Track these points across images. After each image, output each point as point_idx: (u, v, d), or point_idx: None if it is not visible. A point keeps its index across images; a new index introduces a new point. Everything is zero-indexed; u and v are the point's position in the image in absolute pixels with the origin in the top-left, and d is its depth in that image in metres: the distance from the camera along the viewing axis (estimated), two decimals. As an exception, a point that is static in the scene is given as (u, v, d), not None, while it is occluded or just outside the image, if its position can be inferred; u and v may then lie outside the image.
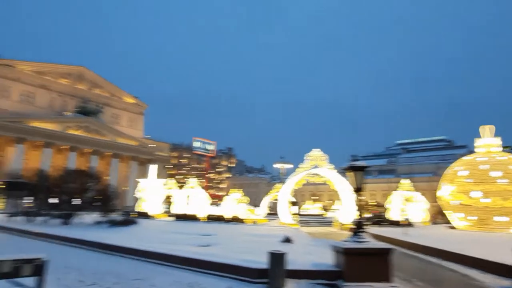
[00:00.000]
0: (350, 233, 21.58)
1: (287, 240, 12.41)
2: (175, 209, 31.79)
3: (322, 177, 26.66)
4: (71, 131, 62.54)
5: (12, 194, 25.43)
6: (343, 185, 25.85)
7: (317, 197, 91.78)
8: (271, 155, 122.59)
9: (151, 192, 33.28)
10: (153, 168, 36.41)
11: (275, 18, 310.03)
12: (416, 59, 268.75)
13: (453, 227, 26.93)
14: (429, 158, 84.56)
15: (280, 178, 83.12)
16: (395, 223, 27.87)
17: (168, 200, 36.23)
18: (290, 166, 74.46)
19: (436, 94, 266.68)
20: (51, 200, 23.41)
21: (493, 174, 23.74)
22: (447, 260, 11.11)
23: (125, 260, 10.57)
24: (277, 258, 6.86)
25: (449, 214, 27.32)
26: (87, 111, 67.29)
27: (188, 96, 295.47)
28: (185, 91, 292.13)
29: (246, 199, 31.82)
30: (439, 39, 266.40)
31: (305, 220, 30.34)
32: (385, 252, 7.11)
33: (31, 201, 25.12)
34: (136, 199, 36.35)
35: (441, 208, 37.39)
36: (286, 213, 26.52)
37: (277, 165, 76.58)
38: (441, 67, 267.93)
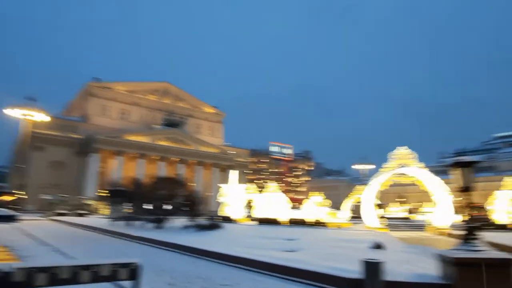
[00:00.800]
0: (450, 239, 19.31)
1: (378, 246, 11.42)
2: (257, 213, 32.10)
3: (410, 177, 24.46)
4: (160, 142, 67.85)
5: (114, 201, 28.15)
6: (435, 185, 23.41)
7: (404, 199, 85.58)
8: (350, 157, 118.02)
9: (233, 196, 34.14)
10: (233, 174, 37.41)
11: (357, 14, 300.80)
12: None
13: None
14: (534, 153, 73.40)
15: (360, 179, 79.55)
16: (502, 227, 24.30)
17: (249, 205, 36.84)
18: (372, 166, 70.82)
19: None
20: (145, 206, 25.36)
21: None
22: None
23: (212, 264, 10.74)
24: (372, 267, 6.19)
25: None
26: (172, 123, 72.52)
27: (262, 101, 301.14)
28: (258, 96, 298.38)
29: (328, 202, 30.80)
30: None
31: (393, 223, 28.16)
32: (508, 264, 5.94)
33: (130, 207, 27.54)
34: (219, 204, 37.70)
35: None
36: (372, 217, 24.91)
37: (357, 166, 73.49)
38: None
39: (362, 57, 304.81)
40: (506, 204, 28.63)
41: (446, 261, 6.49)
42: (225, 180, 64.48)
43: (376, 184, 24.87)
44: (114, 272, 5.46)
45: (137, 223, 24.56)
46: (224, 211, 34.59)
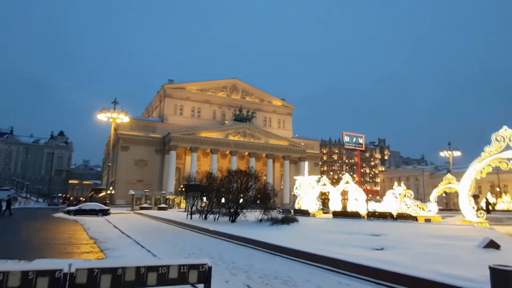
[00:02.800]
0: None
1: (493, 244, 9.35)
2: (332, 206, 30.52)
3: (516, 162, 20.71)
4: (231, 137, 69.14)
5: (190, 195, 28.86)
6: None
7: (499, 189, 75.93)
8: (431, 144, 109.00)
9: (307, 189, 32.95)
10: (305, 165, 36.16)
11: None
12: None
13: None
14: None
15: (447, 167, 72.16)
16: None
17: (323, 197, 35.32)
18: (458, 153, 63.56)
19: None
20: (219, 199, 25.47)
21: None
22: None
23: (290, 262, 9.78)
24: (507, 277, 4.62)
25: None
26: (242, 118, 73.49)
27: (331, 91, 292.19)
28: (327, 87, 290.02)
29: (410, 193, 27.94)
30: None
31: (496, 217, 24.49)
32: None
33: (205, 200, 28.00)
34: (293, 197, 36.80)
35: None
36: (469, 209, 21.80)
37: (443, 153, 66.59)
38: None
39: (437, 39, 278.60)
40: None
41: None
42: (296, 172, 63.54)
43: (474, 171, 21.62)
44: (183, 274, 4.81)
45: (211, 216, 24.74)
46: (299, 204, 33.59)
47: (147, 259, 9.50)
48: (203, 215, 25.51)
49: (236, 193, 24.10)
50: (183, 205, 46.94)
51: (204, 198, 28.11)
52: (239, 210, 23.47)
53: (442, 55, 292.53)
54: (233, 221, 22.57)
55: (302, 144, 78.76)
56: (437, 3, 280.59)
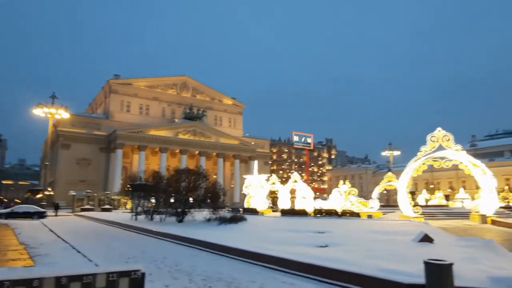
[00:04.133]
0: (498, 227, 17.37)
1: (427, 238, 9.88)
2: (280, 204, 30.92)
3: (450, 160, 22.45)
4: (181, 136, 67.48)
5: (136, 195, 27.57)
6: (479, 169, 21.40)
7: (433, 186, 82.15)
8: (374, 144, 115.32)
9: (256, 188, 33.04)
10: (255, 165, 36.29)
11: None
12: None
13: None
14: None
15: (389, 166, 76.72)
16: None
17: (271, 196, 35.70)
18: (398, 153, 67.83)
19: None
20: (167, 199, 24.60)
21: None
22: None
23: (236, 263, 9.56)
24: (440, 271, 4.77)
25: None
26: (192, 116, 72.05)
27: (280, 91, 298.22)
28: (278, 87, 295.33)
29: (355, 190, 29.17)
30: None
31: (429, 212, 26.29)
32: None
33: (151, 200, 26.90)
34: (242, 196, 36.74)
35: None
36: (407, 205, 23.16)
37: (385, 153, 70.60)
38: None
39: (386, 42, 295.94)
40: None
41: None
42: (247, 171, 63.67)
43: (411, 169, 23.03)
44: (112, 283, 4.35)
45: (158, 217, 23.83)
46: (248, 203, 33.59)
47: (82, 266, 8.75)
48: (150, 216, 24.48)
49: (184, 192, 23.43)
50: (129, 206, 44.89)
51: (152, 199, 27.04)
52: (187, 210, 22.84)
53: (391, 58, 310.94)
54: (180, 221, 21.90)
55: (253, 143, 79.14)
56: (389, 8, 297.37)
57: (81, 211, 41.40)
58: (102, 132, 64.76)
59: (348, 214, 24.29)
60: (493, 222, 19.91)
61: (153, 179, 26.90)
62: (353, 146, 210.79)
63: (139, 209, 26.24)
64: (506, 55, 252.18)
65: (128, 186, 35.12)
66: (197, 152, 69.06)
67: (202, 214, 22.35)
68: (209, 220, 20.60)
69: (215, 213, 21.53)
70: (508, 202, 39.67)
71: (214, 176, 61.15)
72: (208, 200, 23.55)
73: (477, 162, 21.56)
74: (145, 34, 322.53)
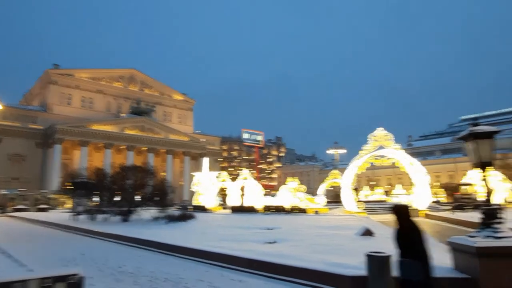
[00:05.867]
0: (430, 220, 18.84)
1: (368, 232, 10.46)
2: (230, 202, 30.93)
3: (389, 158, 23.96)
4: (127, 131, 64.75)
5: (77, 193, 25.97)
6: (414, 166, 23.06)
7: (375, 182, 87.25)
8: (321, 142, 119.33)
9: (206, 185, 32.72)
10: (205, 162, 35.91)
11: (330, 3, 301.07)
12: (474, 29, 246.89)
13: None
14: (501, 132, 76.60)
15: (334, 164, 79.97)
16: (478, 206, 24.47)
17: (222, 193, 35.62)
18: (344, 151, 71.14)
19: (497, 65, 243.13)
20: (112, 198, 23.50)
21: None
22: None
23: (184, 262, 9.38)
24: (380, 263, 5.06)
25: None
26: (140, 111, 69.38)
27: (232, 89, 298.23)
28: (228, 84, 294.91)
29: (303, 187, 30.03)
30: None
31: (370, 207, 27.82)
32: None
33: (94, 199, 25.53)
34: (192, 193, 36.21)
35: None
36: (350, 201, 24.32)
37: (330, 151, 73.61)
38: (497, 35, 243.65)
39: (334, 44, 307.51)
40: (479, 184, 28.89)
41: (464, 251, 5.48)
42: (197, 168, 62.75)
43: (355, 167, 24.21)
44: (47, 289, 4.02)
45: (101, 216, 22.68)
46: (197, 200, 33.16)
47: (13, 272, 8.06)
48: (92, 216, 23.21)
49: (130, 190, 22.53)
50: (68, 205, 42.16)
51: (95, 197, 25.66)
52: (133, 209, 21.99)
53: (338, 60, 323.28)
54: (125, 220, 21.03)
55: (203, 140, 78.28)
56: (336, 10, 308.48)
57: (13, 211, 38.09)
58: (39, 126, 60.05)
59: (296, 211, 24.96)
60: (426, 216, 21.59)
61: (96, 177, 25.53)
62: (302, 144, 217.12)
63: (80, 208, 24.78)
64: (441, 62, 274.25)
65: (68, 184, 33.01)
66: (145, 148, 66.74)
67: (150, 212, 21.66)
68: (156, 218, 20.02)
69: (163, 212, 20.95)
70: (439, 197, 43.26)
71: (163, 174, 59.48)
72: (156, 198, 22.86)
73: (413, 160, 23.23)
74: (97, 27, 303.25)
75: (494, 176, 27.47)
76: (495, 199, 25.88)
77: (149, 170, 24.78)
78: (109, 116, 68.43)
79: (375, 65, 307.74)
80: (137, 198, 23.08)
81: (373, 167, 37.77)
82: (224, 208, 31.83)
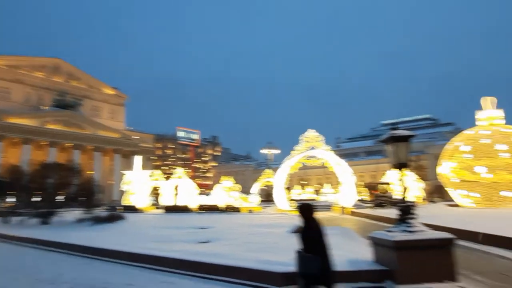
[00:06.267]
0: (355, 217, 20.22)
1: (300, 229, 10.87)
2: (164, 201, 30.05)
3: (319, 159, 25.26)
4: (50, 126, 59.41)
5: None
6: (342, 167, 24.58)
7: (306, 182, 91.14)
8: (256, 142, 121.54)
9: (137, 184, 31.37)
10: (137, 160, 34.42)
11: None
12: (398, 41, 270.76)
13: (454, 205, 26.09)
14: (416, 137, 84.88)
15: (267, 163, 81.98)
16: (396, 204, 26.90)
17: (155, 192, 34.48)
18: (278, 151, 73.27)
19: (419, 72, 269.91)
20: (29, 198, 21.39)
21: (498, 147, 22.81)
22: (483, 244, 9.85)
23: (111, 266, 8.88)
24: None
25: (451, 192, 26.44)
26: (65, 105, 64.01)
27: (168, 86, 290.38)
28: (165, 82, 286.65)
29: (238, 186, 30.32)
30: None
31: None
32: (448, 243, 5.66)
33: (9, 199, 23.06)
34: (122, 193, 34.45)
35: (436, 186, 36.47)
36: (283, 199, 25.13)
37: (264, 151, 75.31)
38: (421, 45, 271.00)
39: (272, 46, 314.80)
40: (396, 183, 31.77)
41: (383, 245, 5.99)
42: (128, 167, 59.90)
43: (287, 166, 25.08)
44: None
45: (17, 219, 20.53)
46: (128, 200, 31.65)
47: None
48: (6, 218, 20.91)
49: (51, 190, 20.70)
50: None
51: (10, 198, 23.19)
52: (54, 210, 20.24)
53: (280, 60, 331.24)
54: (45, 223, 19.27)
55: (136, 137, 74.87)
56: (273, 11, 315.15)
57: None
58: None
59: (230, 210, 25.10)
60: (352, 213, 23.18)
61: (11, 175, 23.07)
62: (238, 144, 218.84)
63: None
64: (369, 66, 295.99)
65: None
66: (70, 145, 61.81)
67: (74, 214, 20.13)
68: (81, 220, 18.66)
69: (89, 213, 19.60)
70: (363, 195, 46.80)
71: (91, 172, 55.67)
72: (82, 199, 21.31)
73: (341, 161, 24.78)
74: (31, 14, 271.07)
75: (409, 176, 30.38)
76: (410, 197, 28.68)
77: (74, 168, 23.03)
78: (28, 109, 62.10)
79: (309, 68, 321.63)
80: (60, 198, 21.31)
81: (304, 167, 39.51)
82: (157, 208, 30.82)
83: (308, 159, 25.79)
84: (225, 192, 27.99)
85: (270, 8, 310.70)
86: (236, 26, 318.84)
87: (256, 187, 46.04)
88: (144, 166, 37.35)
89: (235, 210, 25.07)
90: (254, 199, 29.88)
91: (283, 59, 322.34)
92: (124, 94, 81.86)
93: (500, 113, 24.86)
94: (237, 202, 27.36)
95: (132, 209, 28.90)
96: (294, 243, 8.22)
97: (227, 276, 6.61)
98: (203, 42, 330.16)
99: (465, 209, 22.42)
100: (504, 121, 24.85)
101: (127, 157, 70.74)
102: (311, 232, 4.89)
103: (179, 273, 7.54)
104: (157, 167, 72.58)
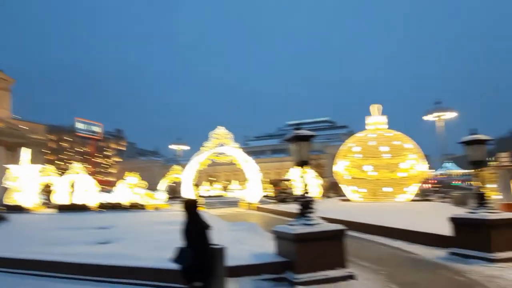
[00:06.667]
0: (260, 212, 21.13)
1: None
2: (57, 199, 27.14)
3: (228, 156, 25.68)
4: None
5: None
6: (248, 164, 25.39)
7: (214, 178, 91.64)
8: (165, 137, 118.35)
9: (25, 180, 27.75)
10: (25, 153, 30.44)
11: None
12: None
13: (346, 200, 29.03)
14: (316, 137, 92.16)
15: (176, 159, 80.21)
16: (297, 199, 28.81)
17: (46, 190, 30.96)
18: (187, 147, 72.18)
19: (321, 77, 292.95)
20: None
21: (381, 149, 26.11)
22: (368, 233, 11.23)
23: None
24: (214, 255, 5.41)
25: (344, 188, 29.36)
26: None
27: (67, 73, 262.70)
28: (63, 67, 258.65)
29: (144, 183, 29.05)
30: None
31: (210, 202, 29.19)
32: (340, 234, 6.32)
33: None
34: (5, 190, 30.04)
35: (332, 183, 40.15)
36: (191, 196, 24.89)
37: (173, 147, 73.52)
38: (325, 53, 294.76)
39: (188, 39, 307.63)
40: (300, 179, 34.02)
41: (284, 237, 6.42)
42: (14, 160, 52.72)
43: (196, 163, 24.93)
44: None
45: None
46: (13, 199, 27.74)
47: None
48: None
49: None
50: None
51: None
52: None
53: (194, 57, 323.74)
54: None
55: (25, 128, 65.92)
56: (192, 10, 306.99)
57: None
58: None
59: (135, 207, 23.92)
60: (258, 208, 24.14)
61: None
62: (145, 138, 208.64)
63: None
64: (280, 68, 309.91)
65: None
66: None
67: None
68: None
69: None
70: (268, 191, 49.04)
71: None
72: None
73: (248, 158, 25.58)
74: None
75: (310, 173, 32.83)
76: (310, 193, 31.05)
77: None
78: None
79: (224, 67, 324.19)
80: None
81: (213, 164, 39.75)
82: (49, 207, 27.69)
83: (217, 155, 26.00)
84: (129, 189, 26.52)
85: (191, 4, 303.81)
86: (151, 19, 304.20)
87: (163, 184, 44.70)
88: (35, 160, 33.24)
89: (141, 207, 23.97)
90: (161, 196, 28.95)
91: (199, 56, 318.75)
92: (10, 78, 71.31)
93: (384, 119, 28.49)
94: (143, 199, 26.19)
95: (18, 209, 25.46)
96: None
97: (132, 278, 6.34)
98: (115, 31, 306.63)
99: (355, 203, 25.17)
100: (387, 126, 28.56)
101: (13, 149, 61.86)
102: (194, 227, 4.96)
103: (74, 278, 6.96)
104: (50, 162, 65.09)
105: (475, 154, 8.28)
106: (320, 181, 35.93)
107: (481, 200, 7.97)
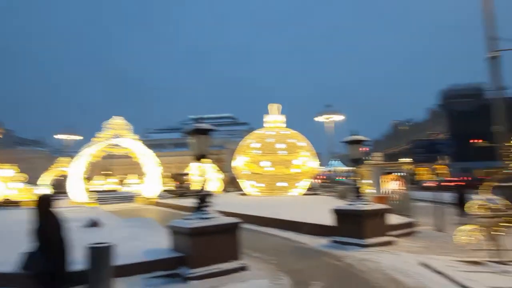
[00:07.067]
0: (159, 207, 20.48)
1: (94, 223, 10.10)
2: None
3: (124, 148, 24.12)
4: None
5: None
6: (147, 157, 24.32)
7: (110, 172, 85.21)
8: (52, 126, 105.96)
9: None
10: None
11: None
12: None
13: (244, 194, 29.98)
14: (218, 132, 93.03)
15: (64, 151, 72.24)
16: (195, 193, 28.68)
17: None
18: (79, 137, 65.13)
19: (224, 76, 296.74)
20: None
21: (278, 146, 27.65)
22: (263, 226, 11.77)
23: None
24: (100, 254, 5.04)
25: (242, 182, 30.25)
26: None
27: None
28: None
29: (24, 176, 25.53)
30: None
31: (102, 197, 27.09)
32: (235, 227, 6.46)
33: None
34: None
35: (231, 177, 41.07)
36: (80, 191, 22.75)
37: (60, 136, 65.54)
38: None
39: (83, 24, 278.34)
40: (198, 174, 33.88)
41: (180, 232, 6.31)
42: None
43: (87, 155, 22.81)
44: None
45: None
46: None
47: None
48: None
49: None
50: None
51: None
52: None
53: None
54: None
55: None
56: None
57: None
58: None
59: (9, 204, 20.82)
60: (156, 203, 23.27)
61: None
62: (25, 126, 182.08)
63: None
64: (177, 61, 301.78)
65: None
66: None
67: None
68: None
69: None
70: (169, 186, 47.77)
71: None
72: None
73: (147, 151, 24.45)
74: None
75: (209, 167, 32.99)
76: (209, 187, 31.20)
77: None
78: None
79: (121, 57, 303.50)
80: None
81: (110, 157, 36.96)
82: None
83: (112, 147, 24.21)
84: (3, 183, 22.99)
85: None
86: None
87: (48, 177, 39.80)
88: None
89: (14, 204, 20.96)
90: (43, 191, 25.74)
91: (93, 43, 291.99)
92: None
93: (283, 118, 30.22)
94: (21, 194, 22.96)
95: None
96: (88, 238, 7.65)
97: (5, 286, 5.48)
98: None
99: (253, 197, 26.17)
100: (285, 125, 30.34)
101: None
102: (47, 228, 4.41)
103: None
104: None
105: (354, 152, 9.49)
106: (221, 175, 36.37)
107: (357, 193, 9.14)
